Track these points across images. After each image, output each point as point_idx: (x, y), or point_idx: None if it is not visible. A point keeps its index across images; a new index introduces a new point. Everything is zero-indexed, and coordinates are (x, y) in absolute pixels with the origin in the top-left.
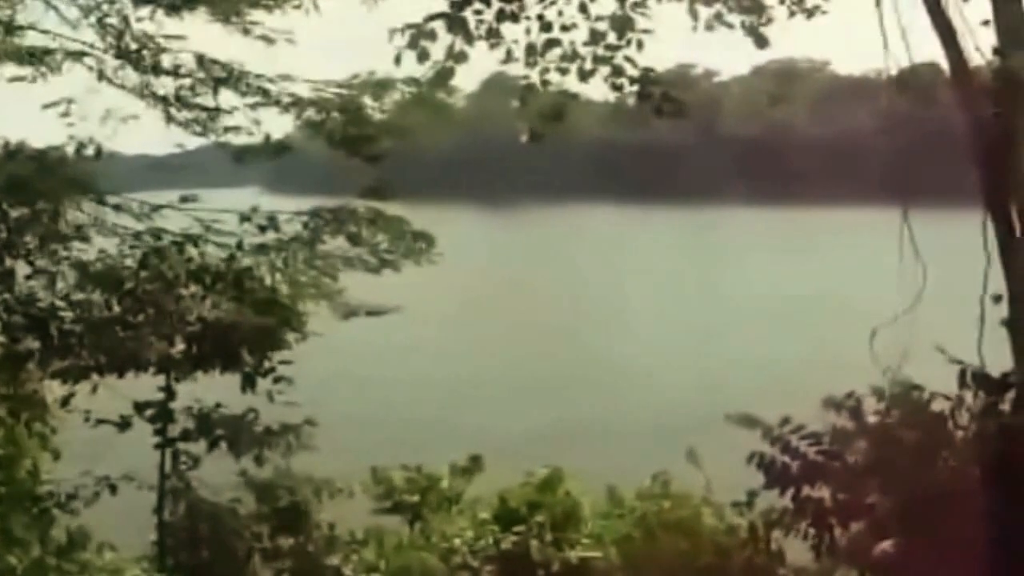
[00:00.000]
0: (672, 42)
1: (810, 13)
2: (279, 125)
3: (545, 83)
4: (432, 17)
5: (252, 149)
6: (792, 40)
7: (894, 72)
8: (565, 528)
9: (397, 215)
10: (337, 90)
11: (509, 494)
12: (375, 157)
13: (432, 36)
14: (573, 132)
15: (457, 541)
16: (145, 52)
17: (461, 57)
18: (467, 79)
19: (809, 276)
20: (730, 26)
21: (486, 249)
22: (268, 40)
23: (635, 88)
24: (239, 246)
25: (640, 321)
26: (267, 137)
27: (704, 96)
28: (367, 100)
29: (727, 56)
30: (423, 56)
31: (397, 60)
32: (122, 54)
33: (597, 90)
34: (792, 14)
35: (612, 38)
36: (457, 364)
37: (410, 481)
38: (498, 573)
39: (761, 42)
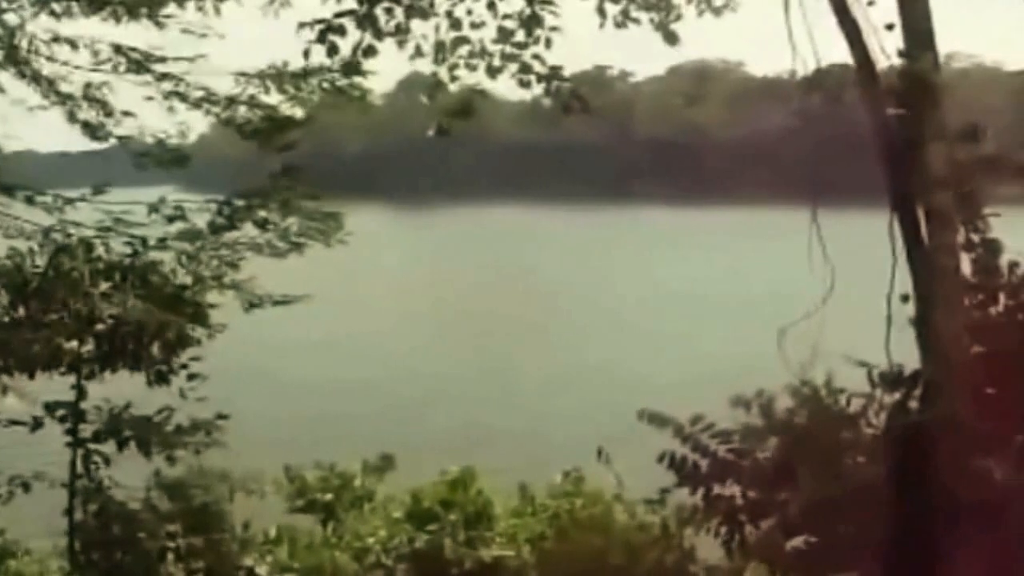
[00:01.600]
0: (587, 43)
1: (718, 11)
2: (192, 120)
3: (453, 79)
4: (342, 13)
5: (153, 154)
6: (706, 41)
7: (803, 73)
8: (478, 526)
9: (309, 192)
10: (249, 81)
11: (422, 492)
12: (286, 147)
13: (341, 31)
14: (488, 131)
15: (370, 540)
16: (43, 48)
17: (370, 52)
18: (383, 79)
19: (722, 275)
20: (638, 23)
21: (398, 247)
22: (189, 32)
23: (543, 86)
24: (143, 241)
25: (551, 320)
26: (161, 143)
27: (619, 97)
28: (280, 93)
29: (642, 57)
30: (332, 51)
31: (306, 55)
32: (10, 54)
33: (512, 90)
34: (701, 12)
35: (520, 36)
36: (367, 362)
37: (323, 480)
38: (411, 572)
39: (671, 39)
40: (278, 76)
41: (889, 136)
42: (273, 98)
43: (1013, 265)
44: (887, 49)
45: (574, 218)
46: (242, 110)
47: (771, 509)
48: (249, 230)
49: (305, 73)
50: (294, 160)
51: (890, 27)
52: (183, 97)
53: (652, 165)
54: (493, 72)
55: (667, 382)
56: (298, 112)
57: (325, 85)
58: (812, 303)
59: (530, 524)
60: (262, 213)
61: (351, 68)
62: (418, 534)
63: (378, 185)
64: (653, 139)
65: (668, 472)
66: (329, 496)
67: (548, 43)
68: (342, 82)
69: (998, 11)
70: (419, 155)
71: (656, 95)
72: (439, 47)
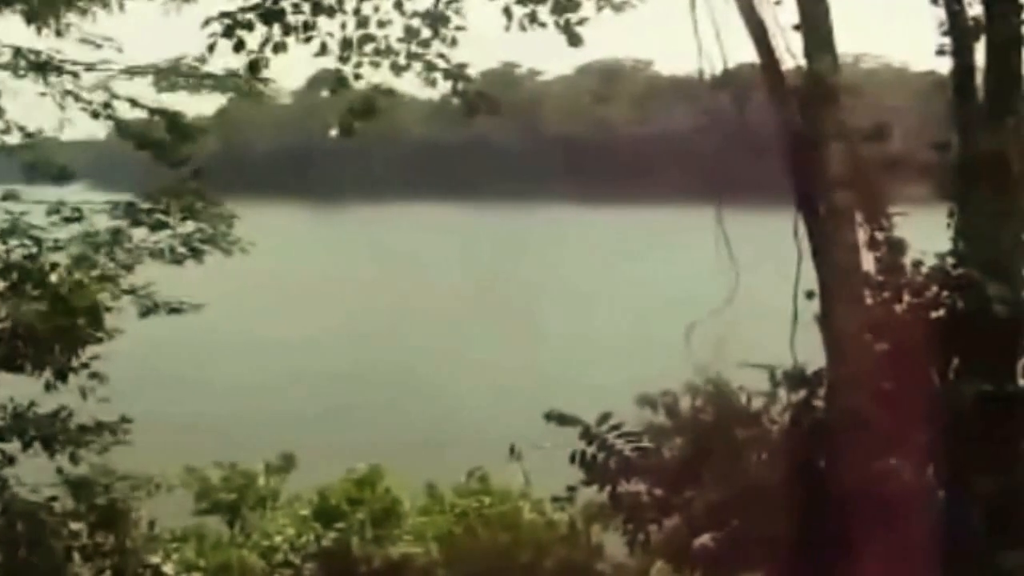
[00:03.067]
0: (496, 41)
1: (618, 8)
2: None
3: (357, 77)
4: (248, 8)
5: (41, 166)
6: (617, 40)
7: (711, 72)
8: (386, 524)
9: (212, 199)
10: (152, 86)
11: (329, 491)
12: (180, 162)
13: (249, 26)
14: (400, 129)
15: (278, 538)
16: None
17: (280, 48)
18: (294, 76)
19: (630, 274)
20: (543, 25)
21: (307, 247)
22: (89, 43)
23: (448, 84)
24: (36, 242)
25: (460, 320)
26: (48, 161)
27: (528, 95)
28: (182, 96)
29: (551, 56)
30: (239, 46)
31: (211, 48)
32: None
33: (424, 89)
34: (600, 8)
35: (426, 34)
36: (273, 362)
37: (226, 479)
38: (319, 570)
39: (575, 40)
40: (174, 73)
41: (793, 136)
42: (176, 98)
43: (917, 263)
44: (793, 49)
45: (484, 216)
46: (142, 116)
47: (676, 507)
48: (150, 233)
49: (213, 76)
50: (203, 160)
51: (797, 27)
52: (77, 98)
53: (561, 163)
54: (398, 70)
55: (575, 382)
56: (204, 112)
57: (228, 85)
58: (719, 302)
59: (438, 522)
60: (163, 217)
61: (255, 67)
62: (326, 532)
63: (290, 184)
64: (562, 137)
65: (579, 472)
66: (233, 496)
67: (454, 42)
68: (249, 86)
69: (905, 13)
70: (331, 153)
71: (565, 93)
72: (345, 44)
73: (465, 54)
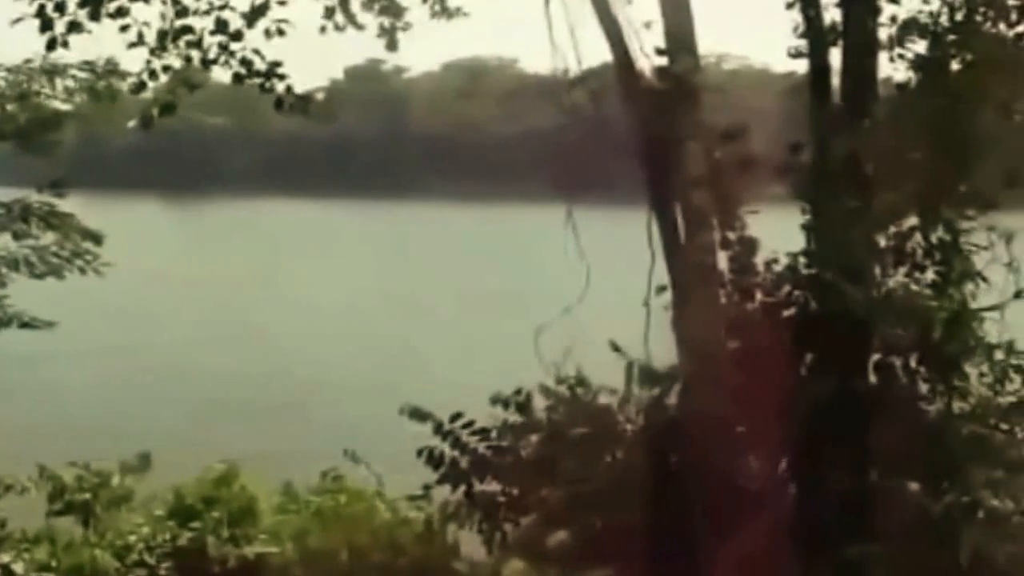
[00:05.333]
0: (362, 36)
1: (451, 15)
2: None
3: (166, 69)
4: None
5: None
6: (482, 37)
7: (568, 70)
8: (242, 523)
9: (69, 212)
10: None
11: (184, 489)
12: (48, 148)
13: (61, 9)
14: (263, 125)
15: (132, 538)
16: None
17: (75, 27)
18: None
19: (490, 272)
20: (361, 28)
21: (167, 242)
22: None
23: (258, 80)
24: None
25: (320, 319)
26: None
27: (393, 91)
28: (38, 86)
29: (417, 52)
30: (46, 26)
31: (15, 22)
32: None
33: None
34: (434, 15)
35: (240, 28)
36: (125, 363)
37: (80, 479)
38: (174, 569)
39: (392, 45)
40: (36, 70)
41: (647, 135)
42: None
43: (770, 263)
44: (648, 49)
45: (346, 212)
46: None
47: (531, 505)
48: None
49: (66, 67)
50: (63, 154)
51: (648, 25)
52: None
53: (425, 160)
54: (207, 64)
55: (431, 380)
56: (59, 107)
57: (71, 84)
58: (573, 300)
59: (294, 521)
60: (22, 225)
61: (111, 67)
62: (181, 531)
63: (151, 178)
64: (427, 134)
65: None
66: (87, 495)
67: (268, 34)
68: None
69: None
70: (194, 148)
71: (431, 90)
72: (162, 35)
73: (331, 47)
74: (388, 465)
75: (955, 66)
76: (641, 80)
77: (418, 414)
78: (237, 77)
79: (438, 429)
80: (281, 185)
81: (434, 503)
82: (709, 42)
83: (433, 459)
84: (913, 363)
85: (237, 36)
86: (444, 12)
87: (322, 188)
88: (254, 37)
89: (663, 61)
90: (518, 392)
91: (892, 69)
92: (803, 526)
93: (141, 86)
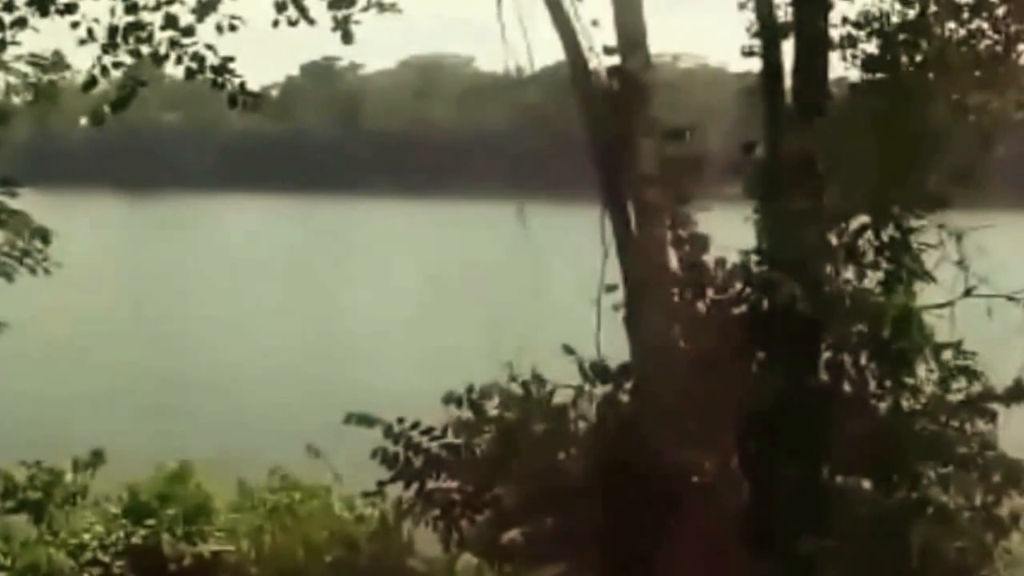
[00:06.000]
0: (316, 33)
1: (383, 8)
2: None
3: (116, 66)
4: None
5: None
6: (439, 35)
7: (519, 69)
8: (197, 521)
9: (20, 210)
10: None
11: (139, 487)
12: None
13: (9, 7)
14: (219, 121)
15: (87, 536)
16: None
17: (20, 24)
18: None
19: (446, 269)
20: (312, 22)
21: (121, 237)
22: None
23: (211, 77)
24: None
25: (272, 313)
26: None
27: (349, 89)
28: None
29: (373, 50)
30: None
31: None
32: None
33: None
34: (366, 8)
35: (192, 23)
36: (82, 360)
37: (32, 478)
38: (129, 568)
39: (347, 38)
40: None
41: (600, 133)
42: None
43: (721, 261)
44: (598, 48)
45: (301, 208)
46: None
47: (486, 503)
48: None
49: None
50: (15, 147)
51: (595, 23)
52: None
53: (380, 158)
54: (159, 60)
55: (382, 378)
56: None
57: (13, 80)
58: (529, 296)
59: (249, 518)
60: None
61: (56, 59)
62: (136, 529)
63: (105, 173)
64: (382, 132)
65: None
66: (39, 494)
67: (220, 30)
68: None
69: (721, 13)
70: (149, 143)
71: (386, 88)
72: (112, 32)
73: (284, 44)
74: (342, 466)
75: (907, 65)
76: (593, 78)
77: (365, 420)
78: (189, 73)
79: (388, 432)
80: (235, 181)
81: (389, 500)
82: (666, 42)
83: (387, 459)
84: (863, 360)
85: (188, 31)
86: (378, 5)
87: (274, 184)
88: (207, 33)
89: (614, 60)
90: (471, 390)
91: (844, 69)
92: (755, 522)
93: (92, 82)
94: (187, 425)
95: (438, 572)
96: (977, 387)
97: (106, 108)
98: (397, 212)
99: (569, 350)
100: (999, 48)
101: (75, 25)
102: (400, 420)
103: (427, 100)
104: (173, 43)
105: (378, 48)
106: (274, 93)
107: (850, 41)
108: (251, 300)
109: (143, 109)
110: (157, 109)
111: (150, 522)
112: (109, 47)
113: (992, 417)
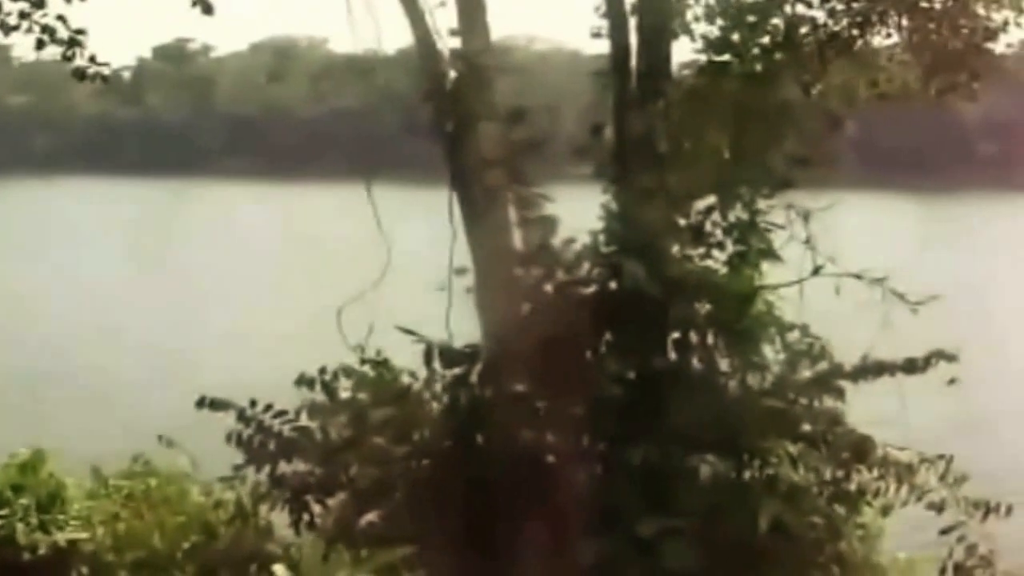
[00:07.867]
0: (169, 15)
1: None
2: None
3: None
4: None
5: None
6: (293, 16)
7: (371, 51)
8: (51, 509)
9: None
10: None
11: None
12: None
13: None
14: (69, 104)
15: None
16: None
17: None
18: None
19: (289, 251)
20: None
21: None
22: None
23: (60, 48)
24: None
25: (123, 299)
26: None
27: (201, 71)
28: None
29: (225, 30)
30: None
31: None
32: None
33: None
34: None
35: None
36: None
37: None
38: None
39: (207, 9)
40: None
41: (444, 116)
42: None
43: (569, 242)
44: (440, 30)
45: (153, 193)
46: None
47: (339, 486)
48: None
49: None
50: None
51: (443, 3)
52: None
53: (234, 141)
54: (7, 30)
55: (240, 364)
56: None
57: None
58: (381, 279)
59: (104, 505)
60: None
61: None
62: None
63: None
64: (235, 115)
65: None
66: None
67: (69, 1)
68: None
69: None
70: None
71: (238, 70)
72: None
73: (129, 26)
74: (202, 452)
75: (753, 47)
76: (439, 61)
77: (218, 404)
78: (39, 44)
79: (240, 416)
80: (85, 164)
81: (248, 484)
82: (518, 24)
83: (243, 443)
84: (711, 339)
85: (39, 3)
86: None
87: (127, 168)
88: (57, 6)
89: (456, 41)
90: (323, 371)
91: (692, 51)
92: (605, 502)
93: None
94: (37, 416)
95: (293, 556)
96: (824, 365)
97: None
98: (250, 195)
99: (410, 332)
100: (852, 31)
101: None
102: (253, 404)
103: (279, 82)
104: (23, 15)
105: (231, 30)
106: (126, 75)
107: (696, 21)
108: (95, 284)
109: None
110: (4, 92)
111: (3, 512)
112: None
113: (840, 394)
